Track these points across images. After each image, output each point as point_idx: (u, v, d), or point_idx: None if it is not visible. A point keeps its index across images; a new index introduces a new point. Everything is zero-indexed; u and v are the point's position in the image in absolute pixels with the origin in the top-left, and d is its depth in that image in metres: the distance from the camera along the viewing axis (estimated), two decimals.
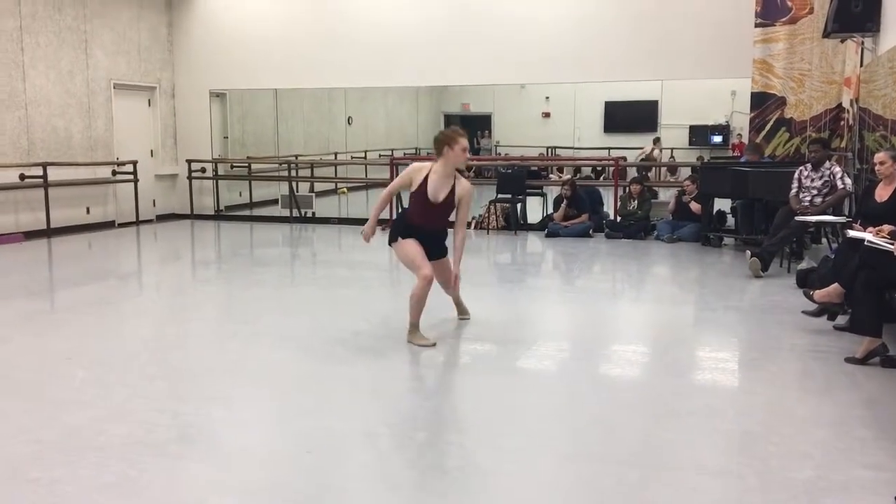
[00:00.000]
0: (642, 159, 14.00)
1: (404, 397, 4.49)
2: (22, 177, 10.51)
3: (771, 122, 10.26)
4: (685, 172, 12.13)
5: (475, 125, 17.27)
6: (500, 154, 16.29)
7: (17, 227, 10.55)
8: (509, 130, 16.84)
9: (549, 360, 5.31)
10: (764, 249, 7.91)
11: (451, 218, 5.53)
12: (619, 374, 5.00)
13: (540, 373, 5.01)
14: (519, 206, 11.58)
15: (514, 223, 11.38)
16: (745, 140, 11.48)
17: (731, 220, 10.42)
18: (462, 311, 6.14)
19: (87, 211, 11.76)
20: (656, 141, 14.22)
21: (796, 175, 8.19)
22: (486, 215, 11.56)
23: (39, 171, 10.67)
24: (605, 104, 15.60)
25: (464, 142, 5.26)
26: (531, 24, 11.58)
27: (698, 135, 15.02)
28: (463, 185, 5.36)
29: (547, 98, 15.89)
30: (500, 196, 11.59)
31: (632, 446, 3.70)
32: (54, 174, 10.87)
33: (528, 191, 11.84)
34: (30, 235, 10.63)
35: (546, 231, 10.95)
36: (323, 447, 3.68)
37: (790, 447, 3.67)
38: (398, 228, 5.52)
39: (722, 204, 10.58)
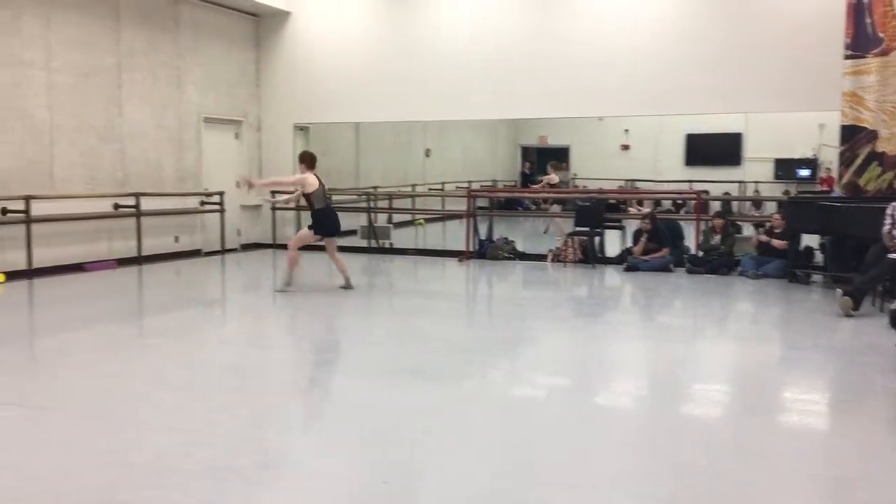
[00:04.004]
0: (550, 185, 13.98)
1: (478, 430, 4.47)
2: (116, 206, 10.99)
3: (862, 156, 9.92)
4: (770, 207, 11.82)
5: (553, 157, 17.25)
6: (577, 187, 16.20)
7: (111, 255, 11.01)
8: (587, 163, 16.75)
9: (627, 397, 5.22)
10: (855, 287, 7.62)
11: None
12: (700, 413, 4.86)
13: (617, 410, 4.92)
14: (597, 239, 11.47)
15: (591, 256, 11.27)
16: (834, 174, 11.12)
17: (819, 256, 10.07)
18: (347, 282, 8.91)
19: (176, 240, 12.20)
20: (555, 166, 14.12)
21: (889, 211, 7.87)
22: (564, 248, 11.49)
23: (133, 201, 11.14)
24: (686, 136, 15.38)
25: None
26: (610, 56, 11.54)
27: (784, 168, 14.64)
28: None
29: (626, 130, 15.77)
30: (577, 229, 11.51)
31: (715, 489, 3.59)
32: (146, 204, 11.33)
33: (606, 224, 11.72)
34: (122, 262, 11.07)
35: (625, 265, 10.80)
36: (398, 478, 3.69)
37: (883, 495, 3.49)
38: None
39: (809, 239, 10.25)
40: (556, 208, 14.12)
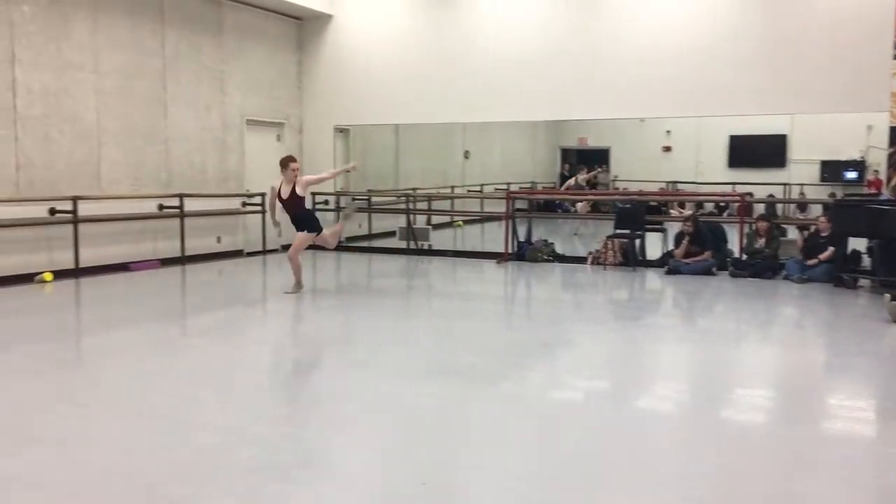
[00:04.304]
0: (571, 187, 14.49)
1: (517, 433, 4.45)
2: (160, 207, 11.18)
3: None
4: (816, 210, 11.59)
5: (593, 159, 17.12)
6: (617, 189, 16.06)
7: (155, 255, 11.20)
8: (628, 164, 16.58)
9: (669, 401, 5.15)
10: None
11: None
12: (743, 419, 4.78)
13: (658, 414, 4.87)
14: (637, 241, 11.36)
15: (632, 259, 11.17)
16: (882, 176, 10.87)
17: (866, 260, 9.85)
18: (295, 286, 8.99)
19: (219, 240, 12.37)
20: (580, 169, 14.64)
21: None
22: (604, 250, 11.40)
23: (176, 202, 11.32)
24: (730, 138, 15.14)
25: (294, 164, 8.83)
26: (653, 56, 11.43)
27: (831, 170, 14.33)
28: (300, 184, 8.80)
29: (668, 132, 15.57)
30: (617, 231, 11.41)
31: (759, 496, 3.53)
32: (189, 205, 11.51)
33: (647, 226, 11.60)
34: (165, 262, 11.26)
35: (666, 268, 10.68)
36: (437, 479, 3.69)
37: None
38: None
39: (856, 242, 10.02)
40: (581, 208, 14.46)
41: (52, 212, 9.73)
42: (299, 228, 9.03)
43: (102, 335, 7.06)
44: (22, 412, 4.66)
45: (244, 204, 12.66)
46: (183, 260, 11.47)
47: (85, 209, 10.00)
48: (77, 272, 9.95)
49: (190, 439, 4.19)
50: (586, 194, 15.30)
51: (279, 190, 8.90)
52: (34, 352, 6.19)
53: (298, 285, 9.06)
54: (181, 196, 11.38)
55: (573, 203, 15.19)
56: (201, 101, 12.01)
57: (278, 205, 9.01)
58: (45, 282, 9.46)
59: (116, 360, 6.08)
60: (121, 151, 10.73)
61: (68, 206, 9.85)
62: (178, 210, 11.33)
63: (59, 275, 9.73)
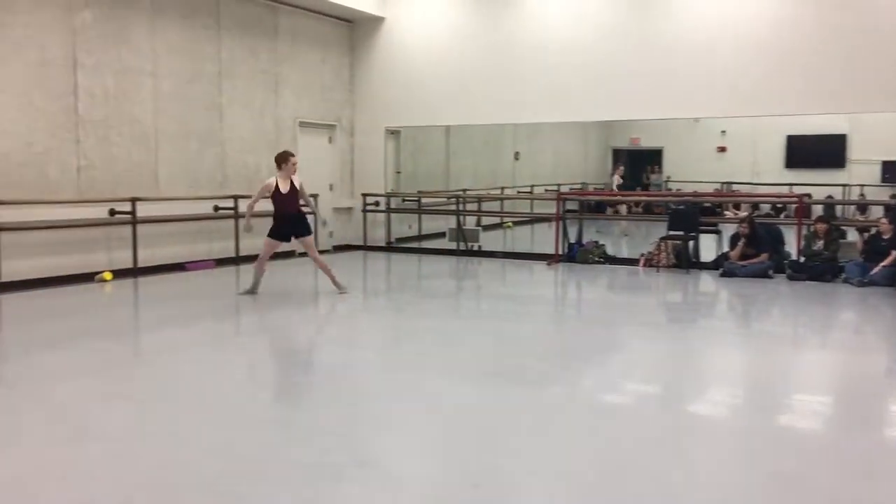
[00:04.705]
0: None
1: (569, 436, 4.41)
2: (216, 208, 11.38)
3: None
4: (876, 211, 11.27)
5: (645, 160, 16.93)
6: (670, 190, 15.84)
7: (210, 255, 11.40)
8: (681, 165, 16.35)
9: (724, 406, 5.06)
10: None
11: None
12: (802, 426, 4.67)
13: (712, 419, 4.78)
14: (691, 243, 11.18)
15: (685, 261, 11.00)
16: None
17: None
18: (338, 285, 8.84)
19: None
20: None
21: None
22: (657, 252, 11.25)
23: (231, 203, 11.51)
24: (787, 138, 14.82)
25: (294, 158, 8.68)
26: (708, 55, 11.23)
27: (892, 171, 13.93)
28: (296, 179, 8.59)
29: (723, 132, 15.32)
30: (671, 233, 11.25)
31: None
32: (243, 206, 11.66)
33: (701, 228, 11.41)
34: (220, 262, 11.46)
35: (721, 270, 10.49)
36: (489, 481, 3.69)
37: None
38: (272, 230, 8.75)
39: None
40: (622, 209, 14.75)
41: (112, 213, 9.98)
42: (293, 230, 8.73)
43: (161, 332, 7.21)
44: (85, 407, 4.79)
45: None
46: (237, 260, 11.65)
47: (143, 210, 10.23)
48: (135, 272, 10.19)
49: (247, 436, 4.26)
50: (636, 195, 15.15)
51: (276, 186, 8.57)
52: (96, 348, 6.36)
53: (256, 288, 8.85)
54: (236, 197, 11.56)
55: (613, 205, 15.07)
56: (256, 103, 12.20)
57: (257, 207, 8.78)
58: (104, 281, 9.71)
59: (174, 357, 6.21)
60: (178, 153, 10.96)
61: (127, 207, 10.09)
62: (232, 211, 11.52)
63: (118, 274, 9.98)
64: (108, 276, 9.79)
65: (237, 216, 11.57)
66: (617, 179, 15.73)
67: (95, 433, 4.31)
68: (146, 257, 10.40)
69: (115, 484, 3.62)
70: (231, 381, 5.46)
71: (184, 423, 4.51)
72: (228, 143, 11.74)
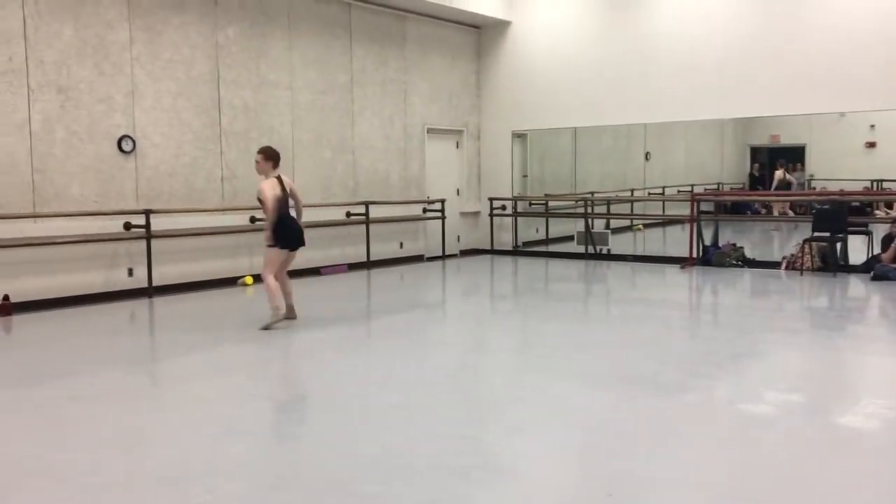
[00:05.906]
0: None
1: (705, 446, 4.23)
2: (348, 214, 11.72)
3: None
4: None
5: (786, 157, 16.08)
6: (814, 188, 14.98)
7: (343, 259, 11.76)
8: (826, 162, 15.42)
9: (877, 419, 4.71)
10: None
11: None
12: None
13: (865, 433, 4.46)
14: (839, 245, 10.53)
15: (832, 264, 10.37)
16: None
17: None
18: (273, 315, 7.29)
19: (401, 245, 12.79)
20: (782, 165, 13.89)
21: None
22: (800, 255, 10.66)
23: (362, 209, 11.82)
24: None
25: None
26: (854, 44, 10.56)
27: None
28: (285, 180, 7.41)
29: (872, 126, 14.33)
30: (816, 234, 10.64)
31: None
32: (374, 212, 11.98)
33: (849, 228, 10.72)
34: (352, 267, 11.79)
35: (872, 274, 9.83)
36: (623, 490, 3.59)
37: None
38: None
39: None
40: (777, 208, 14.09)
41: (253, 220, 10.45)
42: (299, 237, 7.53)
43: (296, 335, 7.47)
44: (224, 407, 5.02)
45: (424, 210, 13.01)
46: (368, 265, 11.95)
47: None
48: None
49: (378, 438, 4.34)
50: (777, 195, 14.44)
51: (281, 185, 7.33)
52: (239, 351, 6.67)
53: (278, 312, 7.30)
54: (367, 203, 11.87)
55: (764, 205, 14.36)
56: (386, 111, 12.48)
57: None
58: (246, 285, 10.19)
59: (309, 359, 6.43)
60: (312, 162, 11.36)
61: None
62: (363, 217, 11.82)
63: (258, 279, 10.42)
64: (249, 280, 10.26)
65: (368, 221, 11.87)
66: (780, 175, 15.02)
67: (236, 431, 4.49)
68: None
69: (254, 481, 3.76)
70: (360, 383, 5.58)
71: (320, 424, 4.66)
72: (359, 150, 12.06)
